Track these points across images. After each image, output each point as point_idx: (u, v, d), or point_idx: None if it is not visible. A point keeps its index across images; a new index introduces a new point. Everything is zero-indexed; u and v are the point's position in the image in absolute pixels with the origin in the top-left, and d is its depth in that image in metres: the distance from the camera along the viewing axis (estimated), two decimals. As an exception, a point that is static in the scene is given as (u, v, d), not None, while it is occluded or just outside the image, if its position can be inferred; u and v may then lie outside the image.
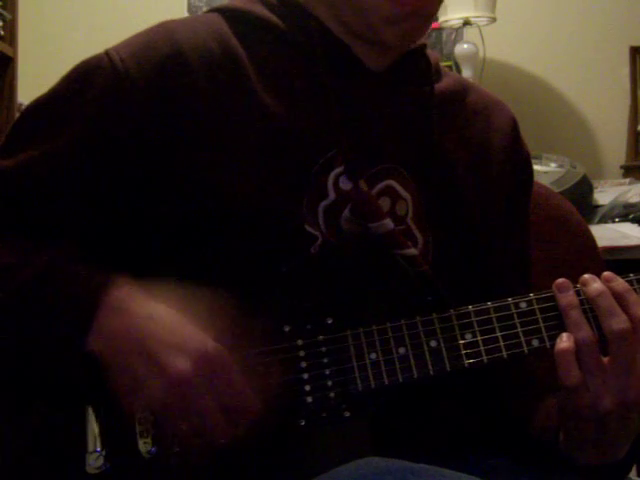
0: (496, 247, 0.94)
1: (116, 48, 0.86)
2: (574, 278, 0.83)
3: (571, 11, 2.56)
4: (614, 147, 2.51)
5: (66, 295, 0.79)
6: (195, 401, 0.75)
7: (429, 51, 0.96)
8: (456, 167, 0.93)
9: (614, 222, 2.02)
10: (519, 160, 1.00)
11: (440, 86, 0.96)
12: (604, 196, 2.16)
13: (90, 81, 0.85)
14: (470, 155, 0.94)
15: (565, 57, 2.56)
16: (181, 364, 0.75)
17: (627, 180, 2.32)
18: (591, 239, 1.15)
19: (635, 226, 1.96)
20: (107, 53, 0.85)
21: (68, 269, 0.81)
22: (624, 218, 2.01)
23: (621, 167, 2.47)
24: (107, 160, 0.84)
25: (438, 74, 0.97)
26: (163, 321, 0.77)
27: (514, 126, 1.00)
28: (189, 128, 0.83)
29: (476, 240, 0.92)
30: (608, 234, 1.86)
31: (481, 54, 2.45)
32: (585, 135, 2.54)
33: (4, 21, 2.51)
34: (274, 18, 0.89)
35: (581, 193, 2.08)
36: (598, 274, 0.82)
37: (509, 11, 2.49)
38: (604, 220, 2.04)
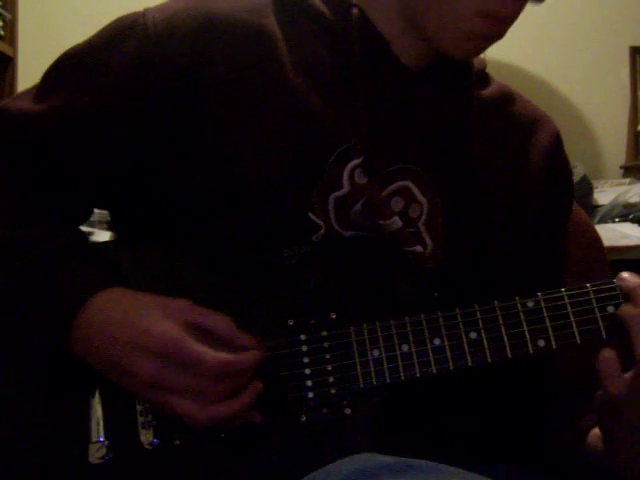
0: (519, 267, 0.91)
1: (154, 10, 0.87)
2: (579, 277, 0.82)
3: (571, 11, 2.55)
4: (614, 147, 2.50)
5: (55, 291, 0.79)
6: (173, 390, 0.75)
7: (477, 57, 0.94)
8: (486, 180, 0.90)
9: (614, 222, 2.02)
10: (558, 179, 0.97)
11: (485, 93, 0.94)
12: (604, 196, 2.16)
13: (123, 40, 0.86)
14: (504, 169, 0.92)
15: (565, 57, 2.55)
16: (145, 367, 0.75)
17: (627, 180, 2.31)
18: (597, 239, 1.14)
19: (635, 226, 1.95)
20: (144, 14, 0.87)
21: (66, 265, 0.80)
22: (624, 218, 2.01)
23: (621, 167, 2.47)
24: (128, 120, 0.85)
25: (485, 80, 0.95)
26: (128, 322, 0.77)
27: (557, 144, 0.97)
28: (211, 99, 0.84)
29: (494, 259, 0.89)
30: (608, 234, 1.86)
31: (481, 54, 2.45)
32: (585, 135, 2.53)
33: (4, 21, 2.51)
34: (323, 7, 0.89)
35: (581, 193, 2.08)
36: (603, 274, 0.82)
37: (509, 11, 2.48)
38: (604, 220, 2.04)
